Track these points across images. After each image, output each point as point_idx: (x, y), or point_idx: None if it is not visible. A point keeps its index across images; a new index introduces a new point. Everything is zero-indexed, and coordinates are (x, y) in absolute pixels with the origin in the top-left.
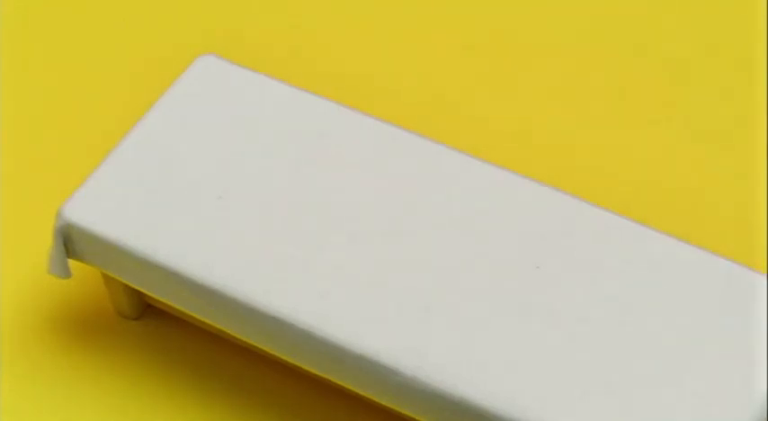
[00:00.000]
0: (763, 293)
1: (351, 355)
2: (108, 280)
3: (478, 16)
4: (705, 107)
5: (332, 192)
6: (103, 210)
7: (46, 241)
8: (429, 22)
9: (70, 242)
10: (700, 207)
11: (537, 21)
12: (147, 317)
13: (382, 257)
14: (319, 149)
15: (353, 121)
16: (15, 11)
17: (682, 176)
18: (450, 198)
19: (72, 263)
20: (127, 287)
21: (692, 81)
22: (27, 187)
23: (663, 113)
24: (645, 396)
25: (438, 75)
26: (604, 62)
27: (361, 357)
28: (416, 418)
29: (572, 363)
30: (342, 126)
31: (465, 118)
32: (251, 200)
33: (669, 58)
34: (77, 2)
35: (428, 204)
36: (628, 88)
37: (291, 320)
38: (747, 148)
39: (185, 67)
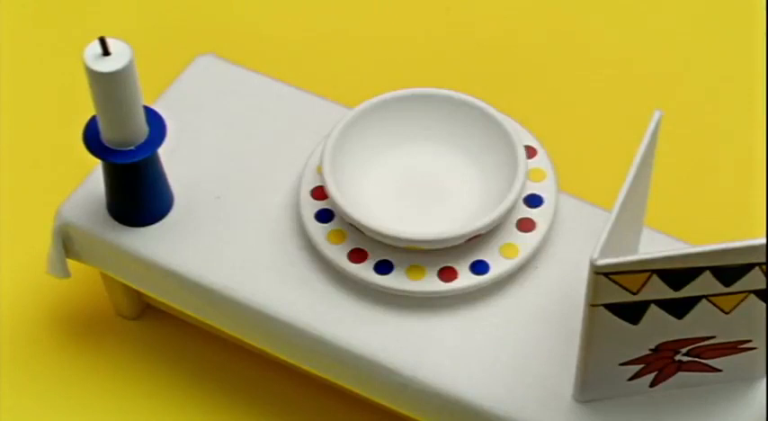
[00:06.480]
0: None
1: (351, 355)
2: (107, 280)
3: (481, 18)
4: (705, 107)
5: None
6: (102, 209)
7: (45, 242)
8: (429, 23)
9: (69, 242)
10: (700, 206)
11: (538, 21)
12: (147, 317)
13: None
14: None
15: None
16: (16, 12)
17: (682, 176)
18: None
19: (71, 264)
20: (126, 287)
21: (691, 80)
22: (26, 188)
23: (664, 115)
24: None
25: (438, 76)
26: (603, 60)
27: (361, 357)
28: (415, 418)
29: (569, 366)
30: None
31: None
32: (250, 199)
33: (670, 56)
34: (77, 3)
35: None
36: (627, 87)
37: (291, 320)
38: (747, 148)
39: (185, 67)
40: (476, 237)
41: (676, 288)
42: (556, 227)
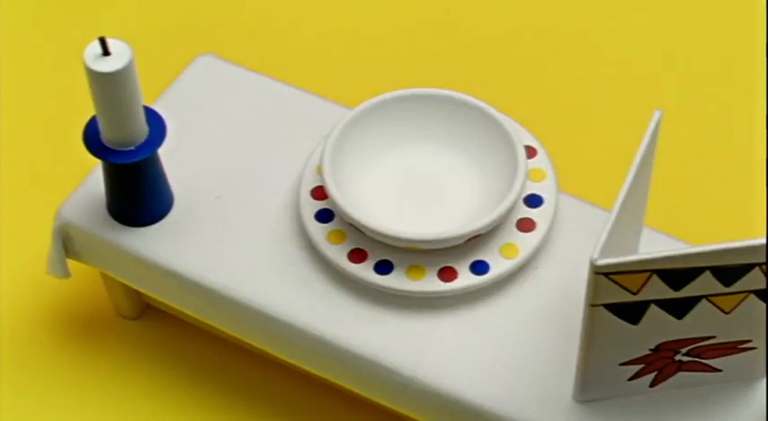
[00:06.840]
0: None
1: (351, 355)
2: (107, 280)
3: (481, 18)
4: (705, 107)
5: None
6: (102, 209)
7: (45, 242)
8: (429, 23)
9: (69, 242)
10: (700, 206)
11: (538, 21)
12: (147, 317)
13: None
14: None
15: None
16: (16, 12)
17: (682, 176)
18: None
19: (71, 264)
20: (126, 287)
21: (691, 80)
22: (26, 188)
23: (664, 115)
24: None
25: (438, 76)
26: (603, 60)
27: (361, 357)
28: (415, 418)
29: (569, 366)
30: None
31: None
32: (250, 199)
33: (670, 56)
34: (77, 4)
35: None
36: (627, 87)
37: (291, 320)
38: (747, 148)
39: (185, 67)
40: (476, 237)
41: (676, 288)
42: (556, 227)
